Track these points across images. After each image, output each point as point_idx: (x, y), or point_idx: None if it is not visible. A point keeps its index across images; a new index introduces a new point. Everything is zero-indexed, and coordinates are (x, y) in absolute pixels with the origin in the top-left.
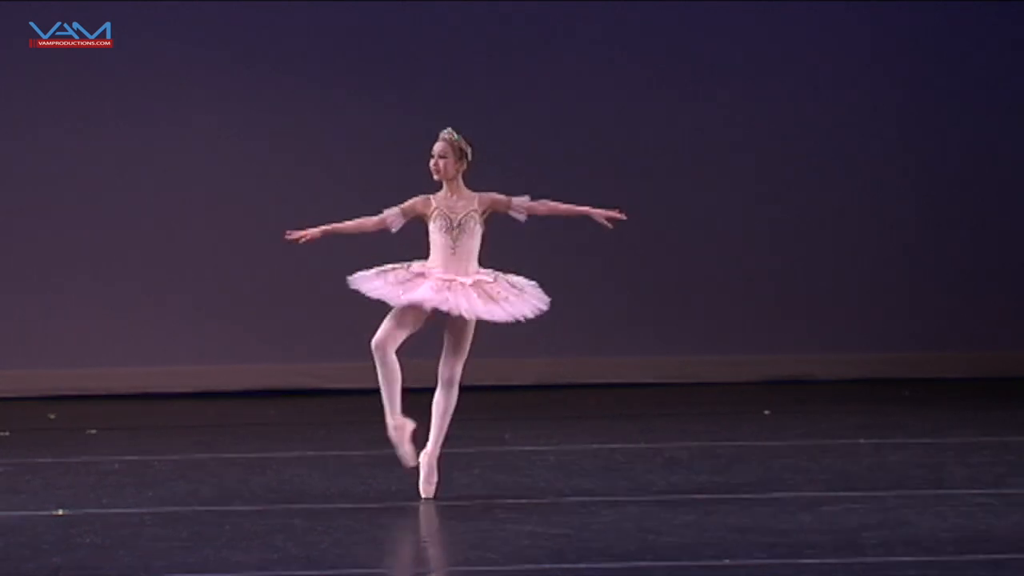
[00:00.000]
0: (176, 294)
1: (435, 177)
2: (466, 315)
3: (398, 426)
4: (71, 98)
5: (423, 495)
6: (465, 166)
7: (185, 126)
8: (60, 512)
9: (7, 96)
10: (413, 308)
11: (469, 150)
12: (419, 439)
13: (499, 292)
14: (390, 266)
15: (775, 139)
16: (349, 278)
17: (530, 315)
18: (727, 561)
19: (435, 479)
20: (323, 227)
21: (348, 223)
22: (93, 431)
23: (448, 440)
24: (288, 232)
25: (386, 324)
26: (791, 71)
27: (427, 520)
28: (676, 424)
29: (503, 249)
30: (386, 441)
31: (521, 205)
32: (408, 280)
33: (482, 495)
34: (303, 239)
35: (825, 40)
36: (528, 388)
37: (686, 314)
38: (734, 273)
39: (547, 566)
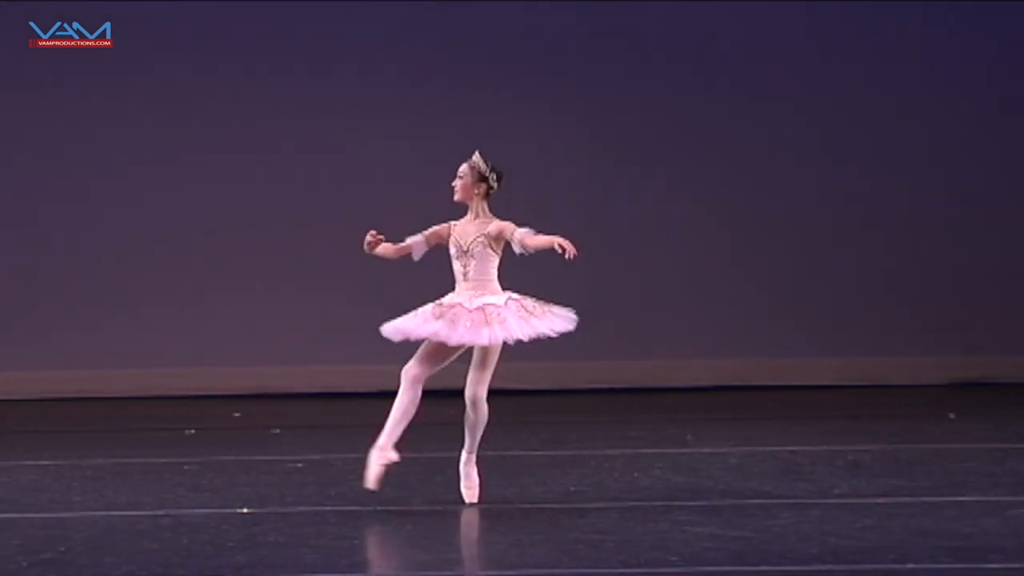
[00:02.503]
0: (360, 294)
1: (455, 197)
2: (448, 343)
3: (382, 451)
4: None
5: (465, 500)
6: (485, 191)
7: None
8: (244, 510)
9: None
10: (433, 340)
11: (493, 176)
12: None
13: (498, 315)
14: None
15: (955, 142)
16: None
17: (524, 338)
18: (909, 565)
19: (475, 483)
20: (387, 245)
21: (389, 248)
22: (277, 430)
23: (629, 440)
24: (373, 235)
25: (416, 354)
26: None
27: (606, 521)
28: (859, 427)
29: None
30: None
31: (518, 238)
32: (423, 312)
33: (662, 496)
34: (373, 241)
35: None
36: (711, 389)
37: (870, 316)
38: (920, 275)
39: (727, 568)
